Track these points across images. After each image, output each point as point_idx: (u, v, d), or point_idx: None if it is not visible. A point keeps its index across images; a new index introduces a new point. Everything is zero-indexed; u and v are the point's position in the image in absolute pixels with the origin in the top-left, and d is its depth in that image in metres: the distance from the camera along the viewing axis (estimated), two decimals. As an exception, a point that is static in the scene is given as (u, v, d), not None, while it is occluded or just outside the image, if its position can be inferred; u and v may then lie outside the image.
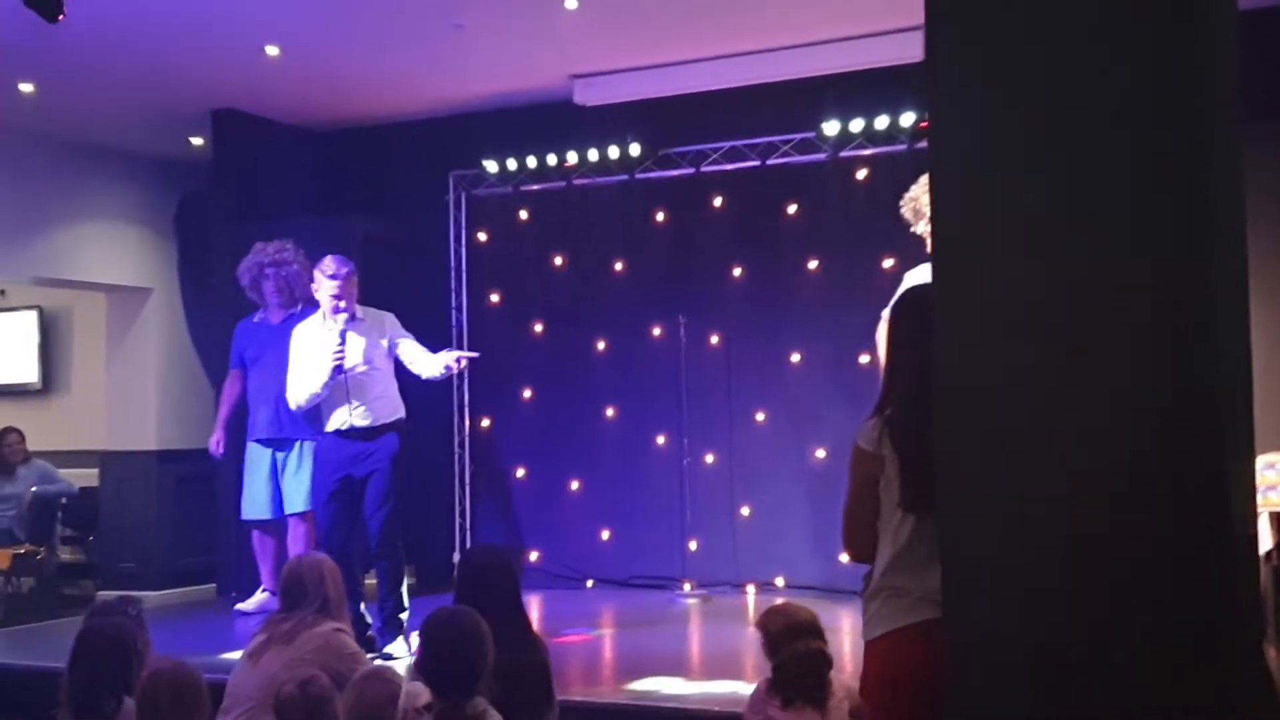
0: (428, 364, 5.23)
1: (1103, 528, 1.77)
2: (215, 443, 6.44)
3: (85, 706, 3.06)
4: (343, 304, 5.14)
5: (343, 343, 5.11)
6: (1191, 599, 1.72)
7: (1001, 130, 1.90)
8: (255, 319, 6.39)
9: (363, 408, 5.15)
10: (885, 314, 4.49)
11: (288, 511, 6.13)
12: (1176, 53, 1.78)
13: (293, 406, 5.35)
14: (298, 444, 6.11)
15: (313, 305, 5.51)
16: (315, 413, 5.32)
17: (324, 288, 5.16)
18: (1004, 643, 1.83)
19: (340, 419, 5.16)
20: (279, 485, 6.19)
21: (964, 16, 1.94)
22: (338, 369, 5.09)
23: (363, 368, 5.15)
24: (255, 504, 6.25)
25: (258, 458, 6.25)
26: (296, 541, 5.95)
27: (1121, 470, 1.77)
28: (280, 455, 6.20)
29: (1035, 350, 1.84)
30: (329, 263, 5.17)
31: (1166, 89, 1.78)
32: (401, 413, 5.29)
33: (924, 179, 4.60)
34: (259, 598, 6.26)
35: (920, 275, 4.46)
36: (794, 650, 3.00)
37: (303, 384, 5.21)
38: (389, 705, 2.80)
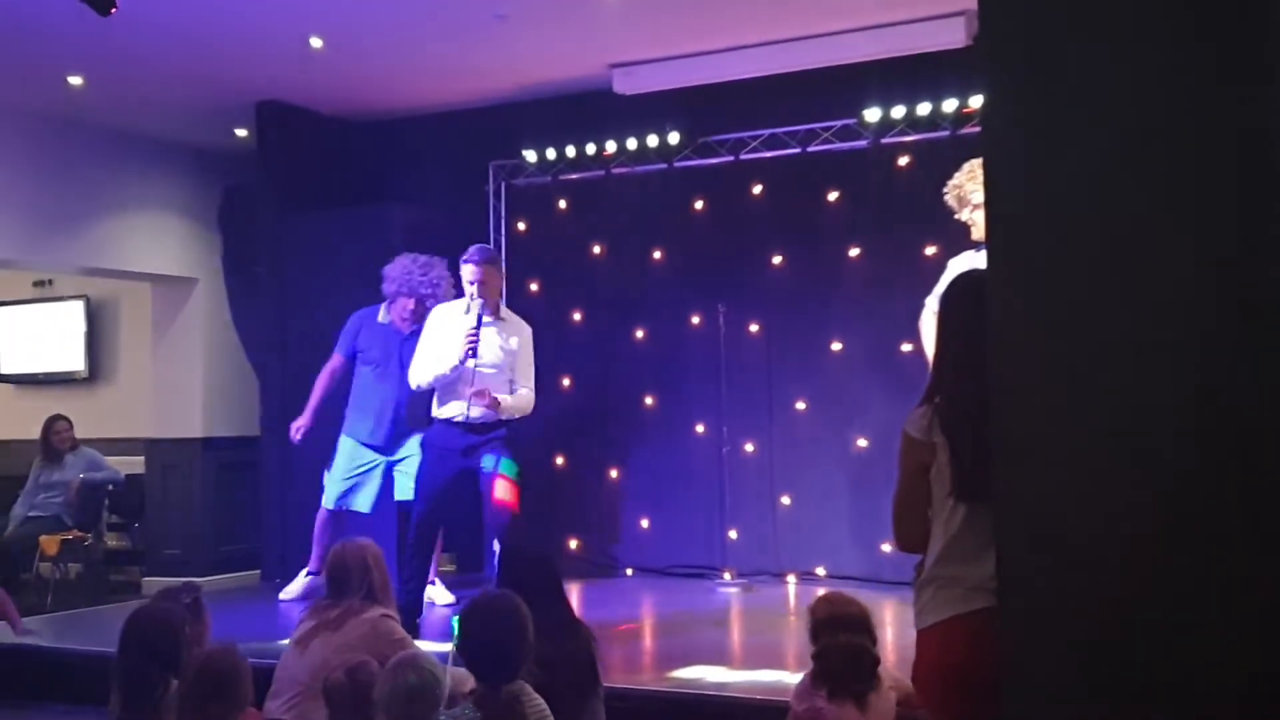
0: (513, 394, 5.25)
1: (1165, 519, 1.74)
2: (301, 429, 6.19)
3: (133, 690, 3.09)
4: (476, 290, 5.13)
5: (478, 328, 5.08)
6: (1260, 595, 1.69)
7: (1056, 114, 1.87)
8: (381, 318, 6.20)
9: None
10: (929, 302, 4.49)
11: (398, 498, 6.09)
12: (1232, 28, 1.75)
13: (413, 385, 5.30)
14: (407, 442, 6.09)
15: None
16: (426, 409, 5.35)
17: (464, 273, 5.19)
18: (1059, 634, 1.81)
19: (457, 409, 5.14)
20: (393, 484, 6.14)
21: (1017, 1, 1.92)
22: (471, 353, 5.05)
23: (489, 368, 5.13)
24: (364, 498, 6.17)
25: (368, 458, 6.18)
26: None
27: (1188, 461, 1.74)
28: (391, 457, 6.17)
29: (1093, 340, 1.81)
30: (472, 250, 5.22)
31: (1223, 65, 1.75)
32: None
33: (968, 165, 4.55)
34: (301, 582, 6.28)
35: (964, 263, 4.41)
36: (834, 642, 2.99)
37: (431, 364, 5.16)
38: (422, 692, 2.80)
